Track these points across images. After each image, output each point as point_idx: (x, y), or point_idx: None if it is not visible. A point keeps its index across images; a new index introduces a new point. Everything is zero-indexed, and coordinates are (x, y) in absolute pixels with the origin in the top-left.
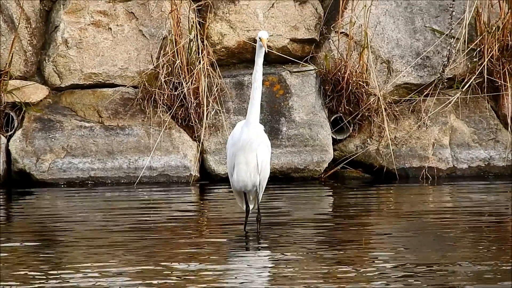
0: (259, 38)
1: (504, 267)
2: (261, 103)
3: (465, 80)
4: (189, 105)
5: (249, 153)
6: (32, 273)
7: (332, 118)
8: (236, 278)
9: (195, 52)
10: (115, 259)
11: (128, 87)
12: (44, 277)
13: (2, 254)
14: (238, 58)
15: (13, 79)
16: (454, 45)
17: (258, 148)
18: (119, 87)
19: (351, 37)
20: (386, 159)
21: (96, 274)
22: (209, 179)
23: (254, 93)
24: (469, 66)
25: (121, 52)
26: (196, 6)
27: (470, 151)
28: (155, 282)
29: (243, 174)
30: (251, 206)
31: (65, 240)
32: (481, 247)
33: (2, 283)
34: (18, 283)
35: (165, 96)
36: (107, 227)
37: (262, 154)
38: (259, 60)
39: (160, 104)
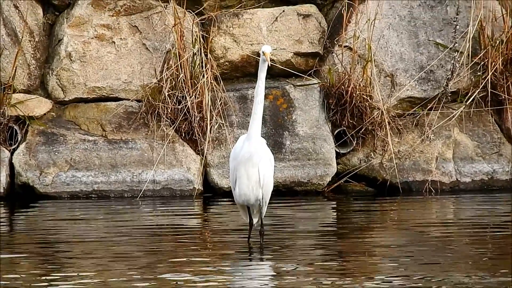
0: (262, 53)
1: (508, 279)
2: (264, 117)
3: (469, 94)
4: (193, 119)
5: (250, 167)
6: (34, 285)
7: (336, 132)
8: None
9: (198, 66)
10: (118, 272)
11: (131, 100)
12: None
13: (3, 266)
14: (242, 72)
15: (17, 92)
16: (458, 59)
17: (260, 163)
18: (123, 101)
19: (354, 51)
20: (390, 173)
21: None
22: (212, 193)
23: (256, 108)
24: (473, 80)
25: (124, 65)
26: (200, 20)
27: (473, 165)
28: None
29: (245, 188)
30: (254, 220)
31: (67, 253)
32: (485, 259)
33: None
34: None
35: (169, 110)
36: (110, 240)
37: (264, 168)
38: (262, 74)
39: (163, 117)
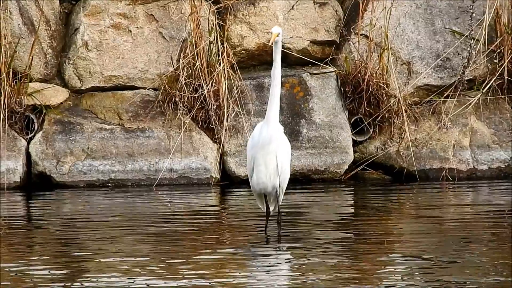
0: (271, 33)
1: None
2: (281, 105)
3: (485, 82)
4: (210, 107)
5: (268, 154)
6: (54, 277)
7: (353, 120)
8: (258, 281)
9: (215, 54)
10: (137, 263)
11: (148, 89)
12: (66, 280)
13: (23, 253)
14: (258, 60)
15: (34, 81)
16: (474, 47)
17: (278, 150)
18: (140, 90)
19: (371, 39)
20: (407, 161)
21: (117, 280)
22: (229, 181)
23: (274, 90)
24: (489, 67)
25: (141, 54)
26: (216, 8)
27: (490, 153)
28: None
29: (263, 176)
30: (271, 208)
31: (86, 241)
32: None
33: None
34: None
35: (186, 98)
36: (127, 230)
37: (281, 156)
38: (277, 57)
39: (180, 106)
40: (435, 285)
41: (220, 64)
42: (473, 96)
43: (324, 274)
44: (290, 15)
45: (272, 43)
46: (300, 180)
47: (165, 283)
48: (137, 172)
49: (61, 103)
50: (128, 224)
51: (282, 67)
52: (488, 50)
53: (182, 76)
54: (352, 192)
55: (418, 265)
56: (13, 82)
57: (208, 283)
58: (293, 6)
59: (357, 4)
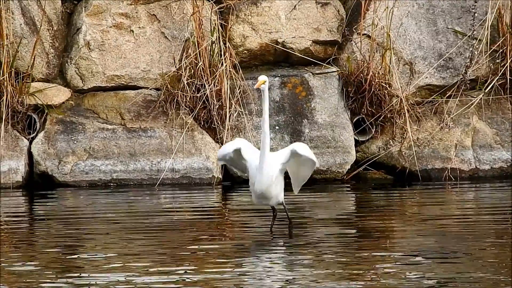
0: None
1: None
2: (283, 105)
3: (488, 82)
4: (212, 107)
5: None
6: (55, 276)
7: (355, 120)
8: (259, 279)
9: (217, 54)
10: (138, 261)
11: (150, 89)
12: (67, 278)
13: (24, 254)
14: (261, 60)
15: (36, 81)
16: (477, 47)
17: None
18: (142, 89)
19: (373, 39)
20: (409, 161)
21: (120, 279)
22: (231, 181)
23: (264, 143)
24: (492, 67)
25: (143, 54)
26: (218, 8)
27: (492, 152)
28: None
29: (261, 199)
30: (276, 207)
31: (88, 241)
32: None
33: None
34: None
35: (188, 98)
36: (129, 229)
37: (275, 190)
38: (265, 106)
39: (182, 106)
40: (435, 284)
41: (222, 64)
42: (475, 96)
43: (324, 270)
44: (292, 15)
45: (256, 87)
46: None
47: (166, 279)
48: (139, 172)
49: (63, 102)
50: (129, 223)
51: (284, 67)
52: (491, 50)
53: (184, 76)
54: (354, 192)
55: (418, 264)
56: (15, 81)
57: (208, 279)
58: (295, 6)
59: (359, 4)
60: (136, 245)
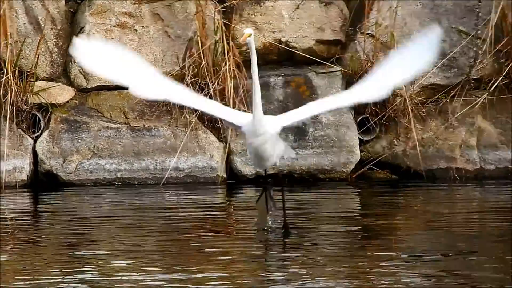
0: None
1: None
2: (287, 104)
3: (492, 81)
4: None
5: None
6: (57, 274)
7: (359, 119)
8: (261, 277)
9: (221, 54)
10: (143, 259)
11: None
12: (69, 275)
13: (29, 252)
14: (264, 59)
15: (39, 80)
16: (481, 46)
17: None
18: None
19: (377, 38)
20: (413, 160)
21: (123, 277)
22: (235, 180)
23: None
24: (496, 67)
25: (146, 53)
26: (221, 8)
27: (497, 152)
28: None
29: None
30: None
31: (93, 241)
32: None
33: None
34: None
35: None
36: (134, 229)
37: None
38: (253, 57)
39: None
40: (440, 282)
41: (226, 63)
42: (479, 96)
43: (325, 268)
44: (296, 14)
45: (242, 42)
46: (307, 179)
47: (171, 277)
48: (143, 171)
49: (67, 101)
50: (134, 221)
51: (288, 66)
52: (495, 50)
53: (188, 75)
54: (359, 191)
55: (423, 262)
56: (19, 80)
57: (214, 277)
58: (298, 6)
59: (363, 4)
60: (141, 242)
